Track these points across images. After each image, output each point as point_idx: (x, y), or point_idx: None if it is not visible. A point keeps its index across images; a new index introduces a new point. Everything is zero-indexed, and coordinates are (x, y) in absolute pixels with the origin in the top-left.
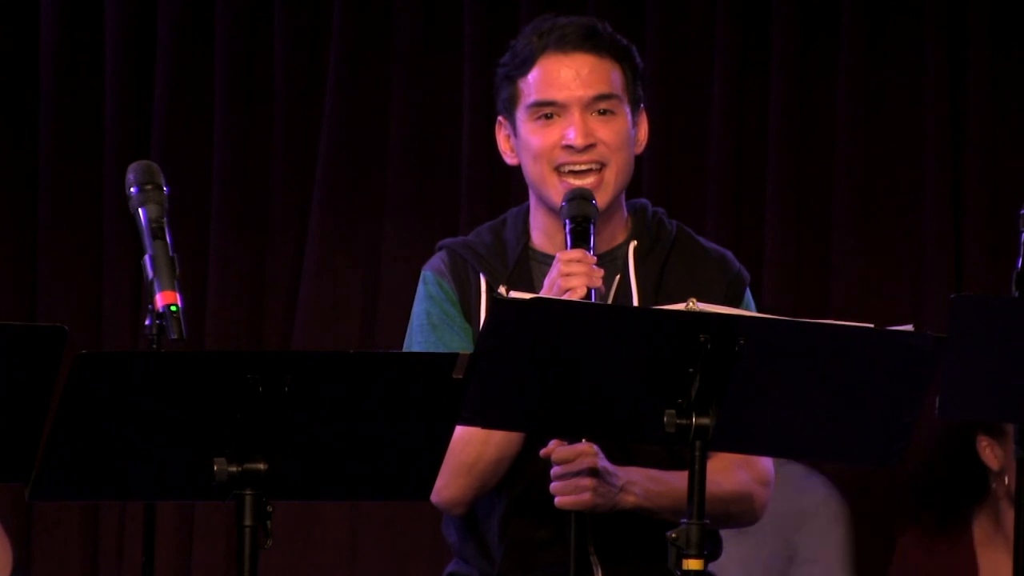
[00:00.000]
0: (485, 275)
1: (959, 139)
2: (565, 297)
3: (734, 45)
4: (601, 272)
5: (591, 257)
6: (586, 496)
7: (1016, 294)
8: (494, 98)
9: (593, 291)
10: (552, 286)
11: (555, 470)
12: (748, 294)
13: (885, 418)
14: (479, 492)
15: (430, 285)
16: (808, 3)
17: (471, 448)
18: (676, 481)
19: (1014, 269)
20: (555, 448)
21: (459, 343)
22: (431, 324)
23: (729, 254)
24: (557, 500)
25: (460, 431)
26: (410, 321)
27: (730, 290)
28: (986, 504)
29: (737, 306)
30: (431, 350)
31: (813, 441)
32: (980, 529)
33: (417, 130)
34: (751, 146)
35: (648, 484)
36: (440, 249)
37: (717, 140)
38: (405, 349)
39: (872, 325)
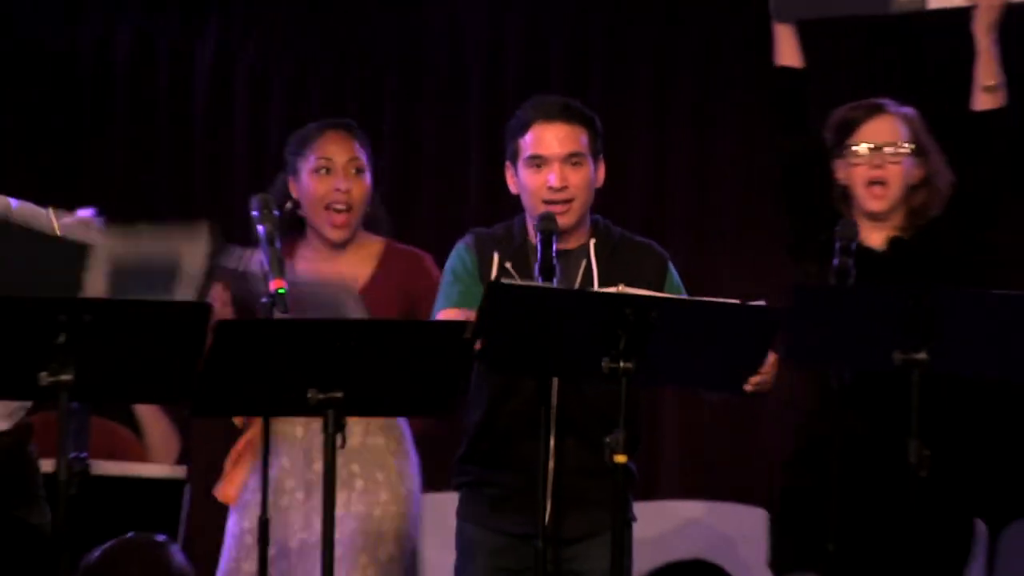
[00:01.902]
0: (498, 253)
1: None
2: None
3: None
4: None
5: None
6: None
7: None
8: (504, 149)
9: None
10: None
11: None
12: (671, 267)
13: (741, 363)
14: None
15: (460, 252)
16: None
17: None
18: None
19: (832, 266)
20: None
21: (471, 291)
22: (455, 275)
23: (653, 243)
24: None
25: None
26: (443, 273)
27: (659, 267)
28: None
29: (665, 277)
30: (453, 295)
31: (695, 376)
32: None
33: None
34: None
35: None
36: (469, 232)
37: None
38: (439, 295)
39: (736, 301)
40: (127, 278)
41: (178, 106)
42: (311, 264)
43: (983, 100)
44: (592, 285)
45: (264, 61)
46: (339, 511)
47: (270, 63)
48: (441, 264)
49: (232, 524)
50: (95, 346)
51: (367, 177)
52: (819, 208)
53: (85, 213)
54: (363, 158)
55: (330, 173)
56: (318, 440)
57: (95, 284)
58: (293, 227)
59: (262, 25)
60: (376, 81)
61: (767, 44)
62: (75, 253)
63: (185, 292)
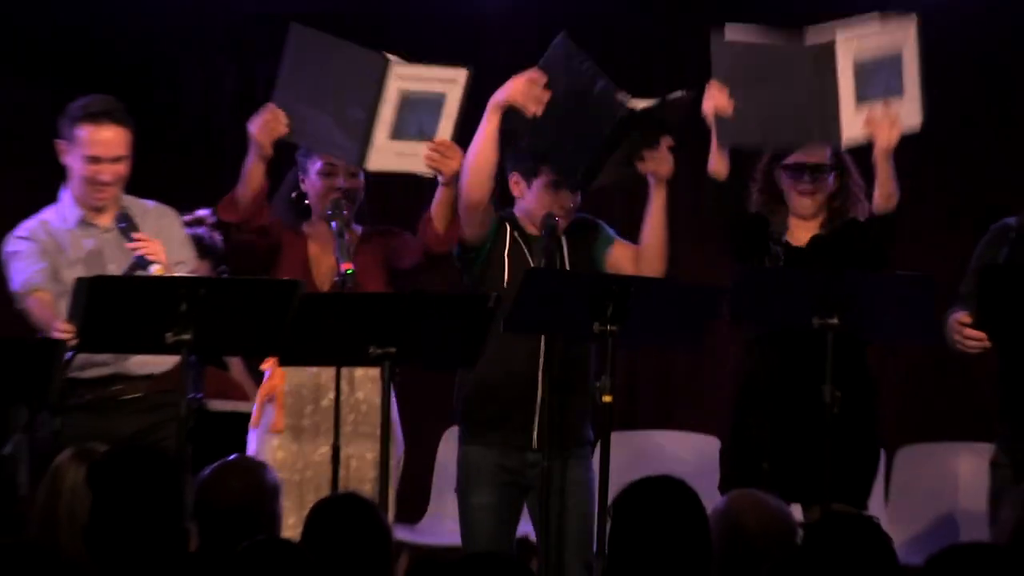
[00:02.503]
0: (509, 227)
1: None
2: None
3: None
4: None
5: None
6: None
7: None
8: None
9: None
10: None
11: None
12: (602, 225)
13: (694, 325)
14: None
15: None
16: None
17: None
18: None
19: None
20: None
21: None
22: None
23: (585, 215)
24: None
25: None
26: None
27: (594, 230)
28: None
29: (599, 232)
30: None
31: (664, 336)
32: None
33: None
34: None
35: None
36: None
37: None
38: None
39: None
40: (408, 104)
41: None
42: (317, 243)
43: (880, 206)
44: (564, 259)
45: None
46: (346, 428)
47: None
48: None
49: (253, 445)
50: (208, 313)
51: (360, 178)
52: (755, 233)
53: (204, 212)
54: None
55: (331, 175)
56: (324, 377)
57: (389, 99)
58: (302, 211)
59: None
60: None
61: None
62: (381, 66)
63: (446, 125)
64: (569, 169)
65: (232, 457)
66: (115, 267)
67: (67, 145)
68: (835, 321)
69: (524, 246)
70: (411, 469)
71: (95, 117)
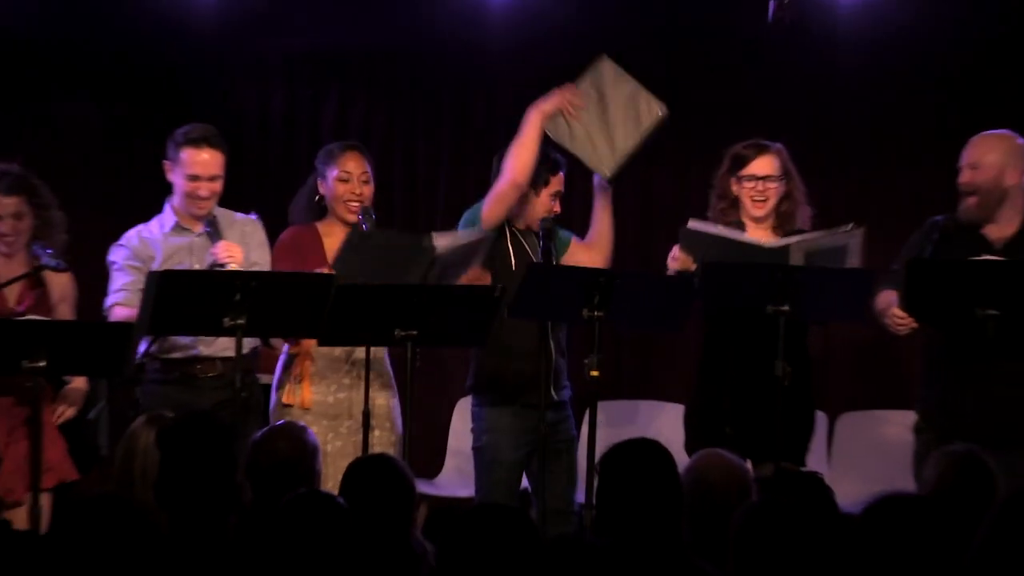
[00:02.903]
0: (507, 225)
1: None
2: None
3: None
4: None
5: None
6: None
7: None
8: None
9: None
10: None
11: None
12: (556, 229)
13: (673, 311)
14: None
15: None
16: None
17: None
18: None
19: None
20: None
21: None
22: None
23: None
24: None
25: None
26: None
27: (556, 233)
28: None
29: (557, 234)
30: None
31: (646, 319)
32: None
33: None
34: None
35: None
36: None
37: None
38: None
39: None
40: (442, 267)
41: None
42: (332, 238)
43: None
44: (555, 255)
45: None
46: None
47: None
48: None
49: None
50: (259, 301)
51: (371, 185)
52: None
53: (252, 216)
54: (369, 171)
55: (347, 181)
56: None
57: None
58: (321, 211)
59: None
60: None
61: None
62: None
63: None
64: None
65: (280, 423)
66: (198, 265)
67: (172, 165)
68: (786, 308)
69: (521, 239)
70: (428, 436)
71: (195, 142)
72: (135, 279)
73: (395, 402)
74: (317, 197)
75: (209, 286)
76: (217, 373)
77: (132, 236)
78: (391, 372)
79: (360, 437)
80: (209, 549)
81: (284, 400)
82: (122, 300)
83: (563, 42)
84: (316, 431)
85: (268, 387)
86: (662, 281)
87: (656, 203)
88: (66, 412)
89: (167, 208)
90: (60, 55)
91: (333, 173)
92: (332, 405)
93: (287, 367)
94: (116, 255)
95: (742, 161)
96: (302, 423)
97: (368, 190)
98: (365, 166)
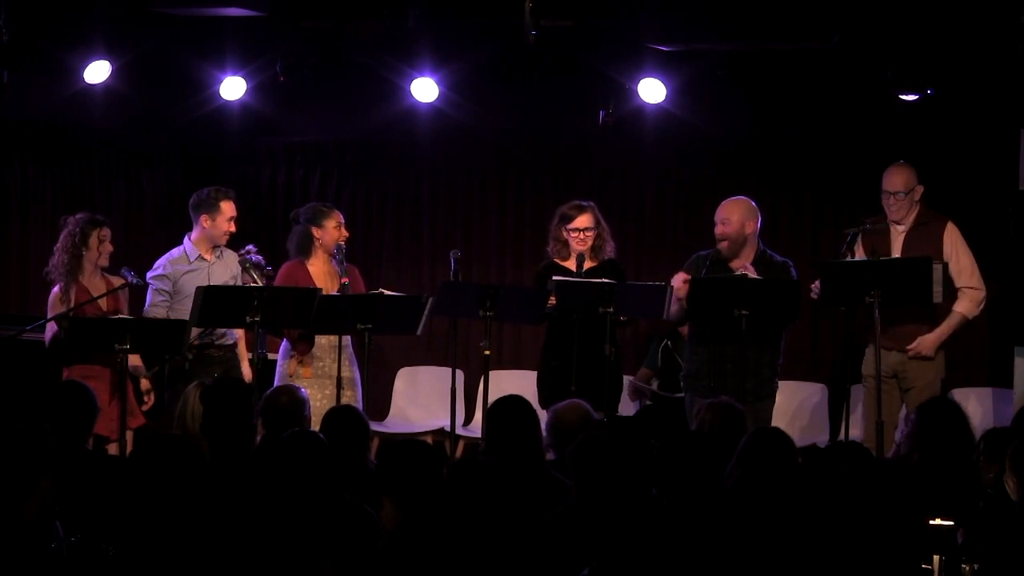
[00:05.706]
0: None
1: None
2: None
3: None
4: None
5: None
6: None
7: None
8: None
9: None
10: None
11: None
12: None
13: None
14: None
15: None
16: None
17: None
18: None
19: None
20: None
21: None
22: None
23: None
24: None
25: None
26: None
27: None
28: None
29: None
30: None
31: (519, 316)
32: None
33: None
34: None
35: None
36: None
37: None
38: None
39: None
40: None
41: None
42: (315, 267)
43: None
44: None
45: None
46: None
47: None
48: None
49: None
50: (269, 305)
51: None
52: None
53: (251, 247)
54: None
55: (341, 227)
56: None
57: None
58: (312, 249)
59: (334, 166)
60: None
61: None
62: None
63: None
64: None
65: (281, 384)
66: (217, 281)
67: (212, 213)
68: (610, 309)
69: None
70: (379, 394)
71: (228, 196)
72: (165, 298)
73: (357, 372)
74: (310, 238)
75: (235, 295)
76: (220, 355)
77: (166, 263)
78: (353, 353)
79: (335, 394)
80: (237, 468)
81: (288, 372)
82: (150, 313)
83: (471, 136)
84: (308, 392)
85: (274, 362)
86: (528, 292)
87: (526, 241)
88: (151, 397)
89: (187, 242)
90: (141, 145)
91: (331, 223)
92: (318, 375)
93: (287, 354)
94: (153, 278)
95: (568, 217)
96: (297, 385)
97: (346, 233)
98: (341, 219)
